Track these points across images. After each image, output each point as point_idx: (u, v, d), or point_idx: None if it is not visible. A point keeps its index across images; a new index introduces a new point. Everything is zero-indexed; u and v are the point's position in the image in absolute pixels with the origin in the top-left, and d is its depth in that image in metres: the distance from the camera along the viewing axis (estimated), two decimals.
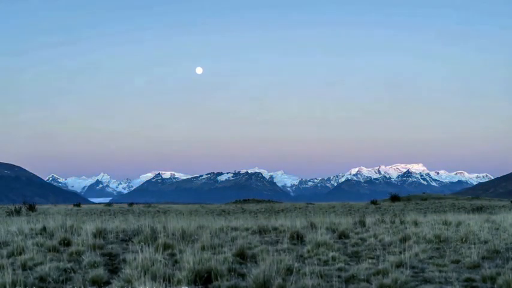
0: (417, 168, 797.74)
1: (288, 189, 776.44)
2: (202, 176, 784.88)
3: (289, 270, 7.11)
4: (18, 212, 32.80)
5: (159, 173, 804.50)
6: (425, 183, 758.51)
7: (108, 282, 6.77)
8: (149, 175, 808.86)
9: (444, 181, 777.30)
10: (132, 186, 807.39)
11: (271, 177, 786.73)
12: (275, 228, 13.49)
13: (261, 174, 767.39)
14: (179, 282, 6.57)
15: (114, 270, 7.56)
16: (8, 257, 8.41)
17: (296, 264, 7.64)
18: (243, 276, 7.07)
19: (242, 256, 8.64)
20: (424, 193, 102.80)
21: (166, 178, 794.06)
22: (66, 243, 9.92)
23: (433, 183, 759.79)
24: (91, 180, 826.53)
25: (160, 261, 7.09)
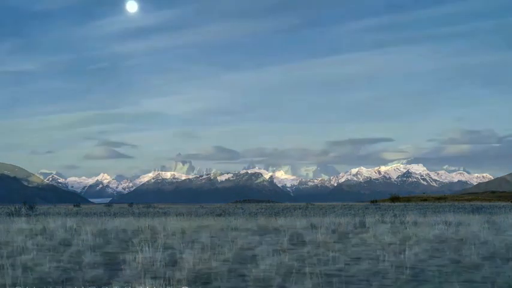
0: (417, 168, 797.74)
1: (288, 189, 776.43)
2: (202, 176, 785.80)
3: (289, 271, 7.11)
4: (18, 212, 32.76)
5: (159, 173, 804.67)
6: (425, 183, 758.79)
7: (108, 283, 6.76)
8: (149, 175, 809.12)
9: (444, 181, 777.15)
10: (132, 187, 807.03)
11: (271, 177, 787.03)
12: (275, 228, 13.50)
13: (261, 174, 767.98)
14: (179, 282, 6.57)
15: (114, 271, 7.56)
16: (8, 257, 8.40)
17: (296, 265, 7.63)
18: (243, 276, 7.07)
19: (242, 256, 8.63)
20: (424, 193, 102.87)
21: (166, 178, 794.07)
22: (66, 243, 9.92)
23: (433, 184, 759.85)
24: (91, 181, 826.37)
25: (160, 261, 7.08)
